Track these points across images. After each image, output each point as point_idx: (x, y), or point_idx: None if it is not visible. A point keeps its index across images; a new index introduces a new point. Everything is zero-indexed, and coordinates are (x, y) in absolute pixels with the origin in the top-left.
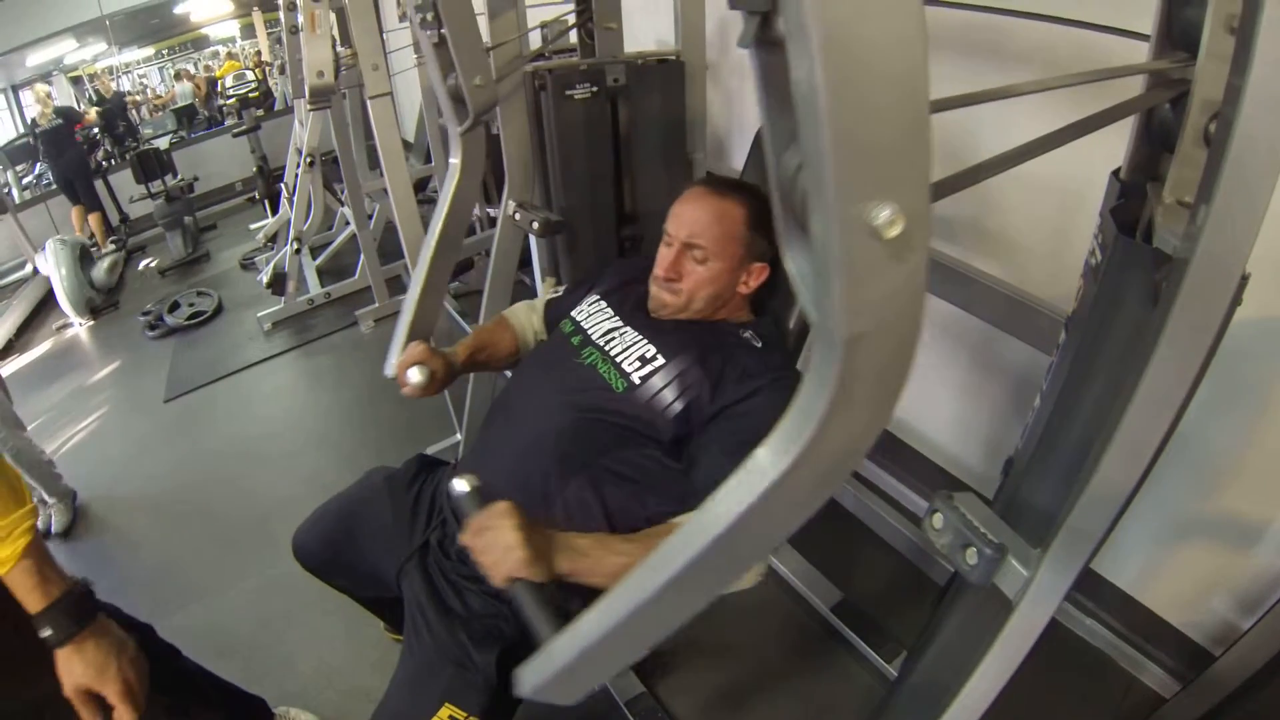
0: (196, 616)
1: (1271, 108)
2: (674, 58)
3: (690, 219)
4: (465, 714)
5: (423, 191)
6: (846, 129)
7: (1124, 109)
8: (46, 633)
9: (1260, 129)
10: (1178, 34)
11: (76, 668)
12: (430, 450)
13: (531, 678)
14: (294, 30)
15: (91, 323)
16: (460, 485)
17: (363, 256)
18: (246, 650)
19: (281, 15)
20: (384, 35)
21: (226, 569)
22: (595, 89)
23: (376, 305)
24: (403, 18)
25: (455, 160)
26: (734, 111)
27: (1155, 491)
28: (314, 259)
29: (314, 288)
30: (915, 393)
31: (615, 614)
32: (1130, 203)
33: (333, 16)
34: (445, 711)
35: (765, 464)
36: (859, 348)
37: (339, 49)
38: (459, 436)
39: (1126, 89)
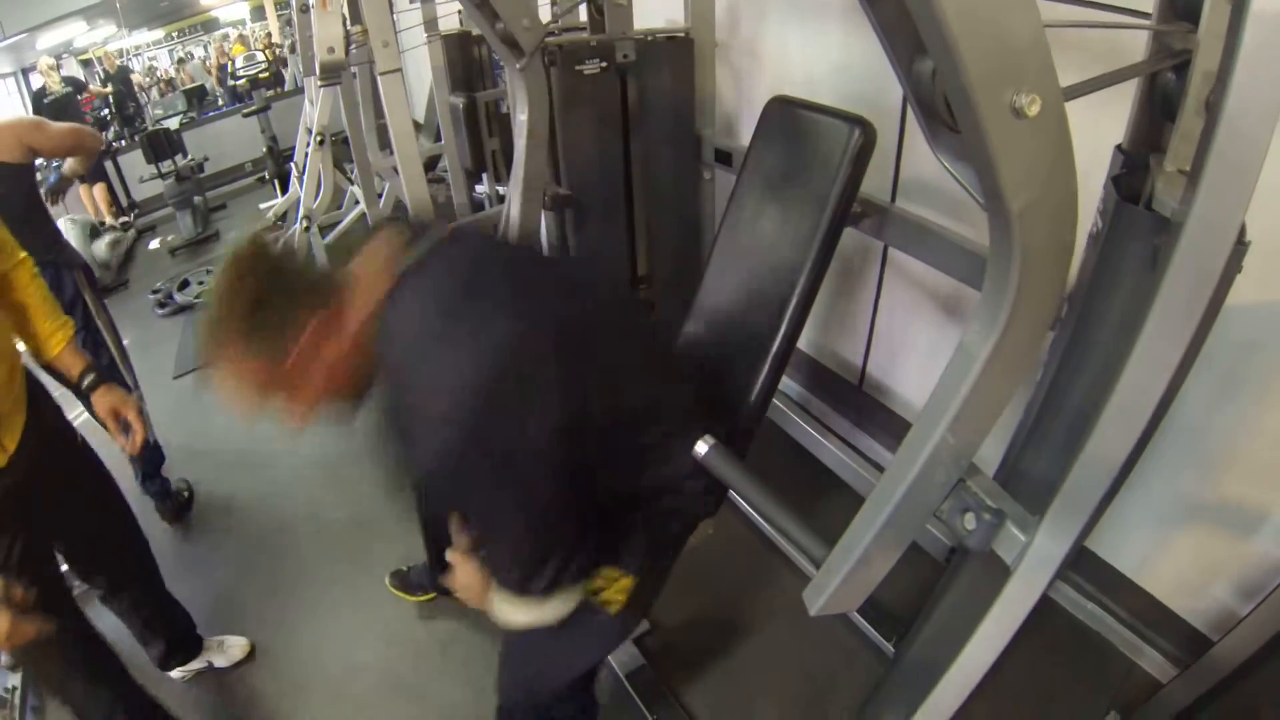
0: (202, 589)
1: (1263, 74)
2: (683, 35)
3: None
4: (622, 571)
5: (432, 170)
6: (973, 38)
7: (1128, 72)
8: (89, 379)
9: (1252, 94)
10: (1180, 6)
11: (107, 399)
12: None
13: (816, 597)
14: (305, 9)
15: None
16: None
17: None
18: (252, 622)
19: None
20: (394, 14)
21: (233, 541)
22: (605, 64)
23: None
24: None
25: (523, 106)
26: (743, 89)
27: (1159, 477)
28: (323, 237)
29: None
30: (917, 370)
31: (877, 515)
32: (1132, 173)
33: None
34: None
35: (975, 346)
36: (1029, 217)
37: (349, 26)
38: None
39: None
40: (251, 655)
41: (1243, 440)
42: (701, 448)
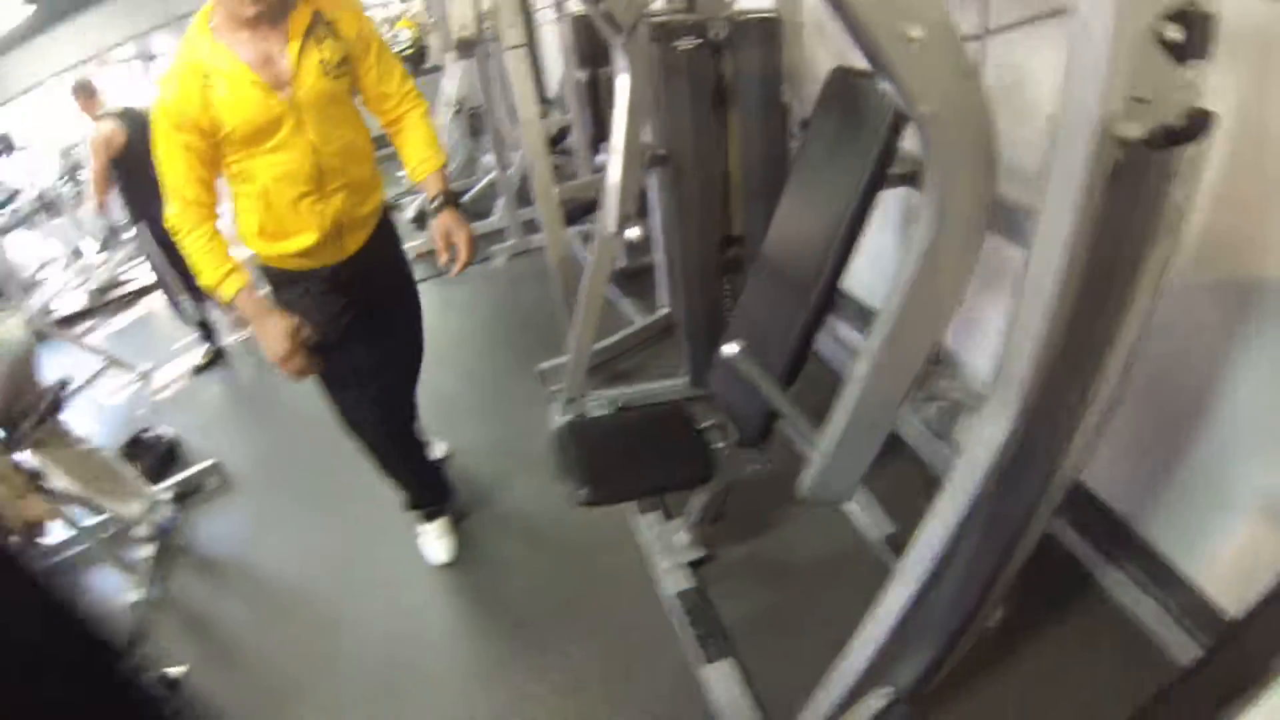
0: (299, 541)
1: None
2: (773, 15)
3: None
4: None
5: (562, 142)
6: None
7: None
8: (438, 201)
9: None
10: None
11: (446, 220)
12: (541, 367)
13: (806, 480)
14: None
15: None
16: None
17: (501, 199)
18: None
19: None
20: None
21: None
22: (700, 40)
23: (512, 242)
24: None
25: (625, 76)
26: (829, 65)
27: (1224, 476)
28: None
29: None
30: (992, 346)
31: (851, 400)
32: None
33: None
34: None
35: (917, 238)
36: (936, 123)
37: (483, 6)
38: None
39: None
40: None
41: None
42: (733, 348)
